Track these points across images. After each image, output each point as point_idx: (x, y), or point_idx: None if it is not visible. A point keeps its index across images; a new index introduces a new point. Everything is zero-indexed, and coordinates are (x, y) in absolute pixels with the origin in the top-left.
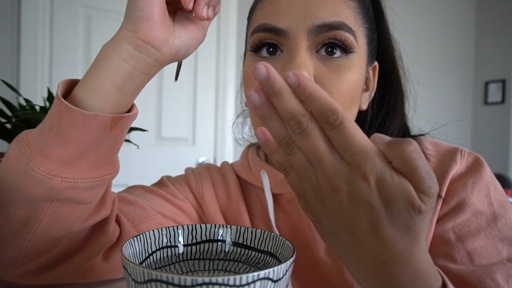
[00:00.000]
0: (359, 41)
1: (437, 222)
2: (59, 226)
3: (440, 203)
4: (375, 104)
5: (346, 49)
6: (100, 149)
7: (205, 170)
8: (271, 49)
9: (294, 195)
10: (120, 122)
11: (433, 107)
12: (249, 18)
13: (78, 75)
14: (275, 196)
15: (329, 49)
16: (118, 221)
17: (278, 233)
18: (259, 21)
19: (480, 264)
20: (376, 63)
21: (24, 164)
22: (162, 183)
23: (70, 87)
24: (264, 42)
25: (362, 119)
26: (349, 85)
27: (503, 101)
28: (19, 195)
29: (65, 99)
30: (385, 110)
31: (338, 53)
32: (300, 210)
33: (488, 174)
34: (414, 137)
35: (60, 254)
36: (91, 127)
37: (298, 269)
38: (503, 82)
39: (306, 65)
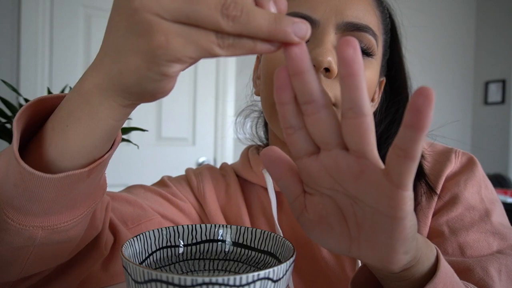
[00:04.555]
0: (378, 48)
1: (432, 217)
2: (48, 262)
3: (436, 199)
4: (382, 113)
5: (367, 52)
6: (79, 194)
7: (206, 170)
8: None
9: None
10: (100, 164)
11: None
12: None
13: (78, 75)
14: (277, 194)
15: None
16: (112, 228)
17: (280, 231)
18: (292, 9)
19: (471, 256)
20: (383, 79)
21: None
22: (162, 182)
23: (35, 113)
24: None
25: None
26: (367, 81)
27: (503, 101)
28: None
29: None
30: (391, 119)
31: None
32: None
33: (480, 173)
34: None
35: (51, 274)
36: (64, 185)
37: (299, 267)
38: (503, 82)
39: (332, 52)
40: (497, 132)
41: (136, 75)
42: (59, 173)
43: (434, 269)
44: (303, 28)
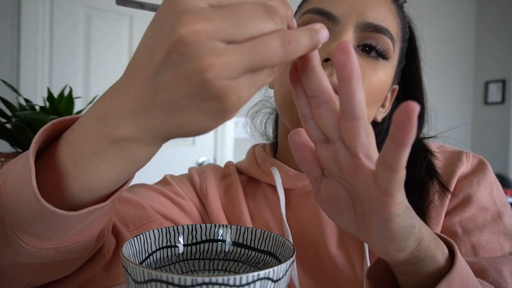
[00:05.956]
0: (395, 52)
1: (445, 216)
2: (56, 274)
3: (449, 198)
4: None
5: (383, 55)
6: (95, 218)
7: (209, 169)
8: None
9: (306, 190)
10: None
11: (433, 107)
12: (300, 6)
13: (78, 75)
14: (285, 192)
15: (367, 49)
16: (115, 231)
17: (288, 228)
18: (314, 4)
19: (483, 256)
20: (396, 87)
21: (7, 229)
22: (165, 181)
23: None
24: None
25: (377, 129)
26: (380, 82)
27: (503, 101)
28: (4, 257)
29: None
30: None
31: (374, 54)
32: (310, 204)
33: (491, 175)
34: (422, 139)
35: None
36: (83, 218)
37: (305, 264)
38: (503, 82)
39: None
40: (497, 132)
41: (198, 128)
42: (82, 210)
43: (447, 266)
44: (325, 33)
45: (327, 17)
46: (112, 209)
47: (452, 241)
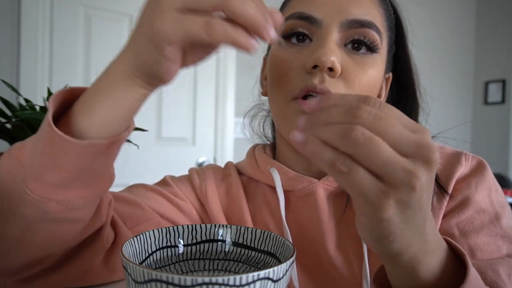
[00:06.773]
0: (383, 44)
1: (442, 218)
2: (55, 244)
3: (447, 199)
4: None
5: (371, 48)
6: (95, 169)
7: (210, 170)
8: (301, 37)
9: (306, 192)
10: (117, 141)
11: (433, 107)
12: (281, 9)
13: (78, 75)
14: (284, 193)
15: (356, 45)
16: (113, 224)
17: (288, 229)
18: (295, 9)
19: (480, 258)
20: (390, 74)
21: (17, 184)
22: (164, 182)
23: (65, 100)
24: (295, 31)
25: None
26: (371, 79)
27: (503, 101)
28: (12, 215)
29: (58, 116)
30: None
31: (363, 50)
32: (310, 206)
33: (490, 176)
34: None
35: (54, 263)
36: (86, 154)
37: (305, 264)
38: (503, 82)
39: (335, 52)
40: (497, 132)
41: (146, 55)
42: (85, 140)
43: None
44: (277, 24)
45: (309, 21)
46: (108, 181)
47: (463, 252)
